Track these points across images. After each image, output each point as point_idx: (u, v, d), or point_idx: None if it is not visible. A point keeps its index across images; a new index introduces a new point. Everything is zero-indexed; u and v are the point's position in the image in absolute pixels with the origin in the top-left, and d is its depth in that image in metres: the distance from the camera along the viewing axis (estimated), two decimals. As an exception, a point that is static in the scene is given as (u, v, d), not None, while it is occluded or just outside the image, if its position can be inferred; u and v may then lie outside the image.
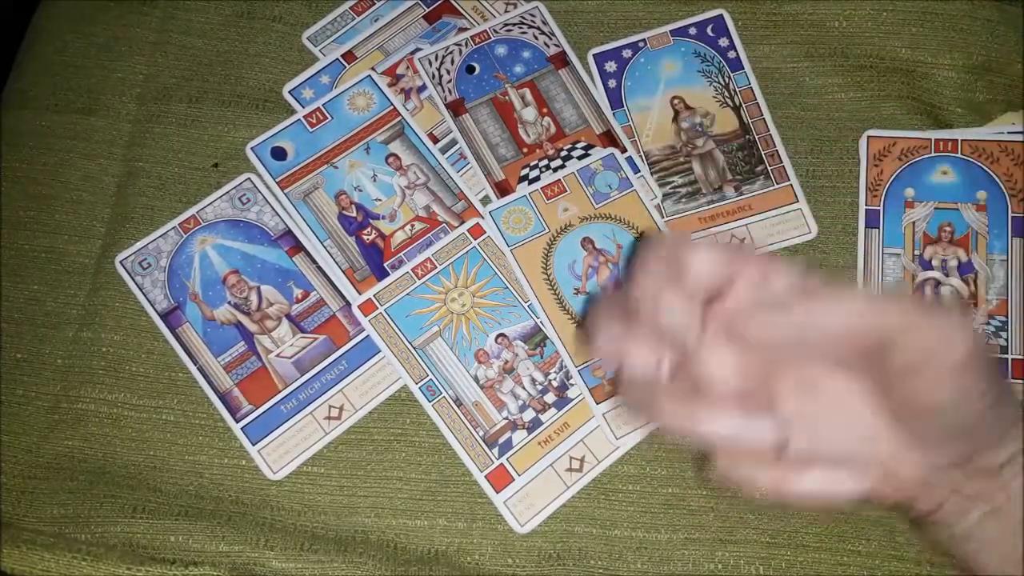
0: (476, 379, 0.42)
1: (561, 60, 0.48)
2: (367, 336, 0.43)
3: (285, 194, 0.46)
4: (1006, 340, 0.42)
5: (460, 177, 0.46)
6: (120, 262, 0.45)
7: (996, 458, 0.30)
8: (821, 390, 0.32)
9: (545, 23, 0.49)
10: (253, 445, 0.42)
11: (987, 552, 0.32)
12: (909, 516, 0.33)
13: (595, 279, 0.44)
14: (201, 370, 0.43)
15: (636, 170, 0.46)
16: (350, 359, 0.43)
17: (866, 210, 0.45)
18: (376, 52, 0.49)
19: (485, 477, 0.41)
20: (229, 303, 0.44)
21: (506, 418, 0.42)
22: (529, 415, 0.42)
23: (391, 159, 0.46)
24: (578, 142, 0.47)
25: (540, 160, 0.46)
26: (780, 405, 0.32)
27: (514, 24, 0.49)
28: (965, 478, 0.31)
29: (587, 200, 0.45)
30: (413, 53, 0.48)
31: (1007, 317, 0.43)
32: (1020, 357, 0.42)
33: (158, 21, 0.50)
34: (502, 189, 0.46)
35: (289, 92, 0.48)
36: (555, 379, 0.43)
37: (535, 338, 0.43)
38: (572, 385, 0.42)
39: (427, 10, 0.50)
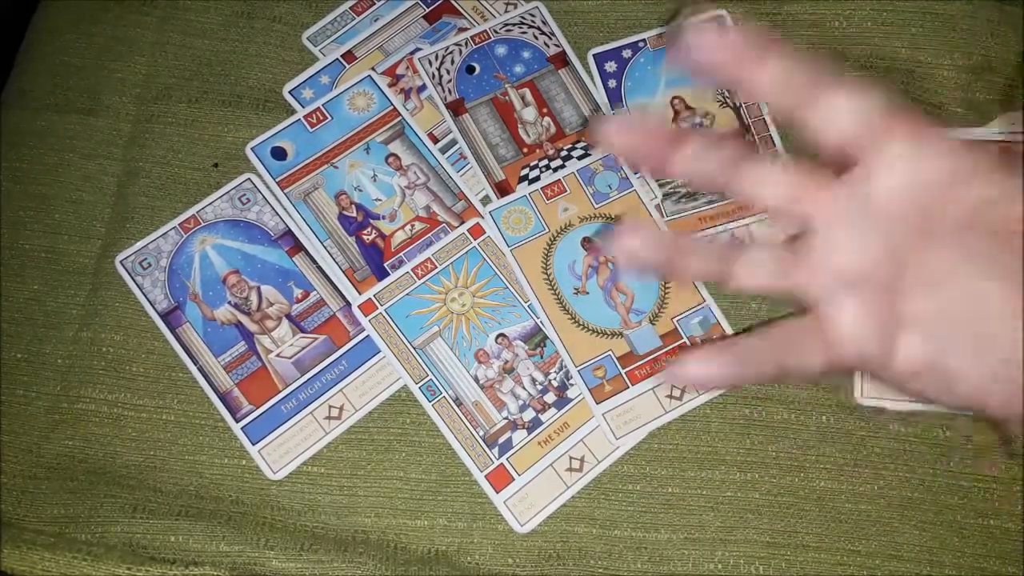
0: (476, 379, 0.42)
1: (561, 60, 0.48)
2: (367, 336, 0.43)
3: (285, 194, 0.46)
4: (1006, 340, 0.42)
5: (460, 177, 0.46)
6: (120, 262, 0.45)
7: None
8: (959, 286, 0.28)
9: (545, 23, 0.49)
10: (253, 445, 0.42)
11: None
12: None
13: (595, 279, 0.44)
14: (201, 370, 0.43)
15: (636, 171, 0.46)
16: (350, 359, 0.43)
17: (866, 210, 0.45)
18: (376, 52, 0.49)
19: (485, 477, 0.41)
20: (229, 303, 0.44)
21: (506, 418, 0.42)
22: (529, 415, 0.42)
23: (391, 159, 0.46)
24: (578, 142, 0.47)
25: (540, 160, 0.46)
26: (909, 303, 0.28)
27: (514, 24, 0.49)
28: None
29: (587, 200, 0.45)
30: (413, 53, 0.48)
31: (1007, 317, 0.42)
32: (1020, 357, 0.42)
33: (158, 21, 0.50)
34: (502, 189, 0.46)
35: (289, 92, 0.48)
36: (555, 379, 0.43)
37: (535, 338, 0.43)
38: (572, 385, 0.42)
39: (427, 10, 0.50)
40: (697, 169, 0.30)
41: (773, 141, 0.46)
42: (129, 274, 0.45)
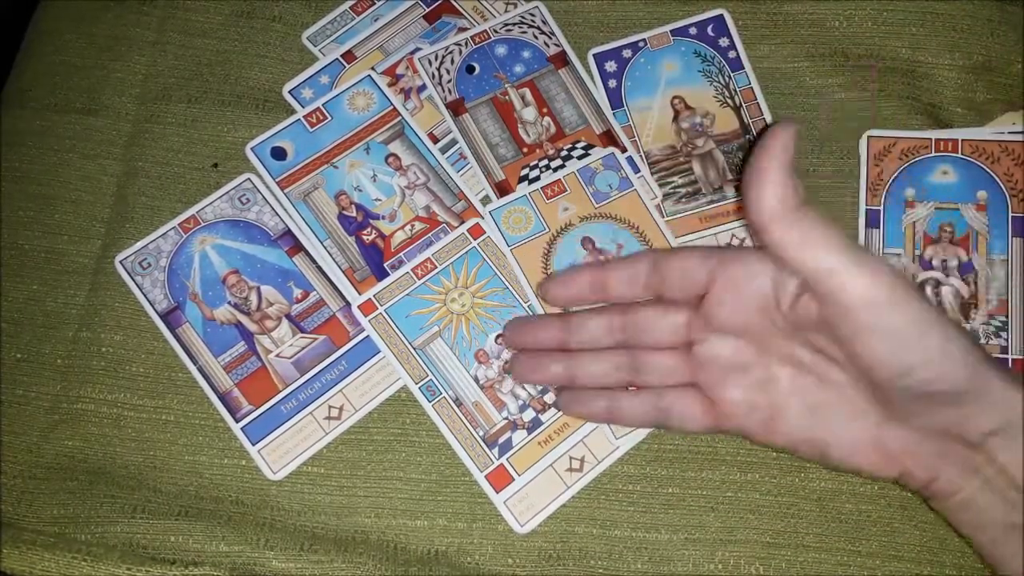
0: (476, 379, 0.42)
1: (561, 60, 0.48)
2: (367, 336, 0.43)
3: (285, 194, 0.46)
4: (1006, 340, 0.42)
5: (460, 177, 0.46)
6: (120, 262, 0.45)
7: (979, 427, 0.30)
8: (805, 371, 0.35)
9: (545, 23, 0.49)
10: (253, 445, 0.42)
11: (985, 523, 0.33)
12: (913, 491, 0.35)
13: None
14: (201, 370, 0.43)
15: (636, 170, 0.46)
16: (350, 359, 0.43)
17: (866, 210, 0.45)
18: (376, 52, 0.49)
19: (485, 477, 0.41)
20: (229, 303, 0.44)
21: (506, 418, 0.42)
22: (529, 415, 0.42)
23: (391, 159, 0.46)
24: (578, 142, 0.47)
25: (540, 160, 0.46)
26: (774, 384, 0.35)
27: (514, 24, 0.49)
28: (948, 448, 0.32)
29: (587, 200, 0.45)
30: (413, 53, 0.48)
31: (1007, 317, 0.43)
32: (1020, 357, 0.42)
33: (158, 21, 0.50)
34: (502, 189, 0.46)
35: (289, 92, 0.48)
36: (555, 379, 0.42)
37: (535, 338, 0.43)
38: (572, 385, 0.42)
39: (427, 10, 0.50)
40: (601, 343, 0.39)
41: (773, 141, 0.46)
42: (129, 274, 0.45)
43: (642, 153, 0.46)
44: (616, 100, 0.48)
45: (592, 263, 0.39)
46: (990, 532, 0.32)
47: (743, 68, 0.48)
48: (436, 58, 0.48)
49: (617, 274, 0.38)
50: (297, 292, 0.44)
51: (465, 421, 0.42)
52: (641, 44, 0.48)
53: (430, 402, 0.42)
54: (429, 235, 0.45)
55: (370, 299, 0.43)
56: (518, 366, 0.41)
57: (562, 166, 0.46)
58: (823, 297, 0.31)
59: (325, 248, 0.45)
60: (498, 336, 0.43)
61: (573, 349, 0.39)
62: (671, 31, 0.48)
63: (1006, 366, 0.40)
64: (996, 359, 0.33)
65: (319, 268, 0.45)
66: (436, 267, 0.44)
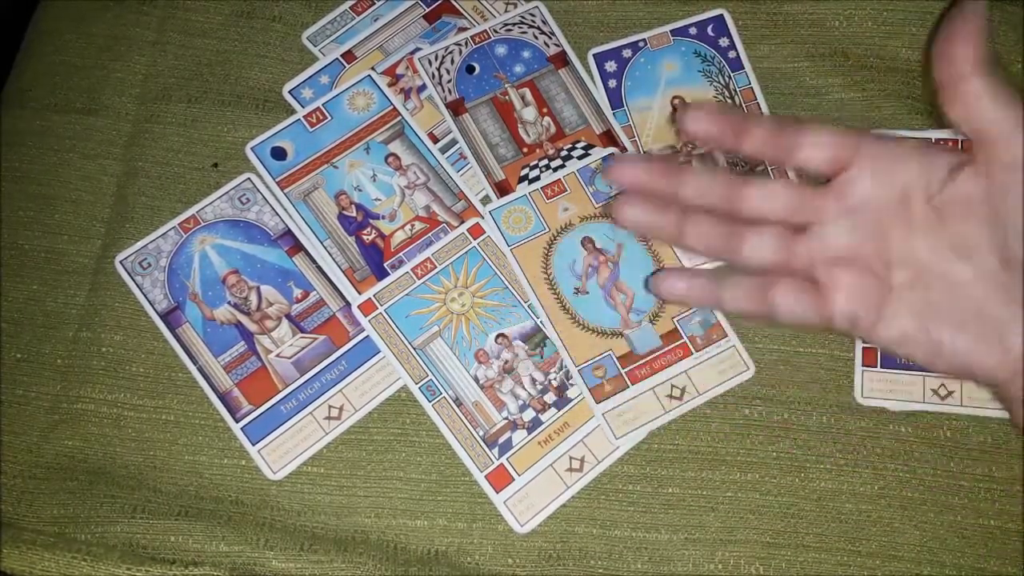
0: (476, 379, 0.42)
1: (561, 60, 0.48)
2: (367, 336, 0.43)
3: (285, 194, 0.46)
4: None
5: (460, 177, 0.46)
6: (120, 262, 0.45)
7: None
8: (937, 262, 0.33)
9: (545, 23, 0.49)
10: (253, 445, 0.42)
11: None
12: (1009, 401, 0.33)
13: (595, 278, 0.44)
14: (201, 370, 0.43)
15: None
16: (350, 359, 0.43)
17: (866, 210, 0.45)
18: (376, 52, 0.49)
19: (485, 477, 0.41)
20: (229, 303, 0.44)
21: (506, 418, 0.42)
22: (529, 415, 0.42)
23: (391, 159, 0.46)
24: (578, 142, 0.47)
25: (540, 160, 0.46)
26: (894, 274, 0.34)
27: (514, 24, 0.49)
28: None
29: (587, 199, 0.45)
30: (413, 53, 0.48)
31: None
32: None
33: (158, 21, 0.50)
34: (502, 189, 0.46)
35: (289, 92, 0.48)
36: (555, 379, 0.43)
37: (535, 338, 0.43)
38: (572, 385, 0.42)
39: (427, 10, 0.50)
40: (705, 199, 0.34)
41: (773, 141, 0.46)
42: (129, 274, 0.45)
43: (642, 153, 0.46)
44: (616, 100, 0.47)
45: (738, 111, 0.36)
46: None
47: (743, 68, 0.48)
48: (436, 58, 0.48)
49: (759, 128, 0.34)
50: (297, 292, 0.44)
51: (465, 421, 0.42)
52: (641, 44, 0.48)
53: (430, 402, 0.42)
54: (429, 235, 0.45)
55: (370, 299, 0.43)
56: (623, 204, 0.34)
57: (562, 166, 0.46)
58: (992, 160, 0.31)
59: (325, 248, 0.45)
60: (498, 336, 0.43)
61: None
62: (671, 31, 0.48)
63: None
64: None
65: (319, 268, 0.45)
66: (436, 267, 0.44)
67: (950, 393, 0.42)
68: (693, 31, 0.48)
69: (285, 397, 0.43)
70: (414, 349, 0.43)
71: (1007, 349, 0.32)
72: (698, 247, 0.36)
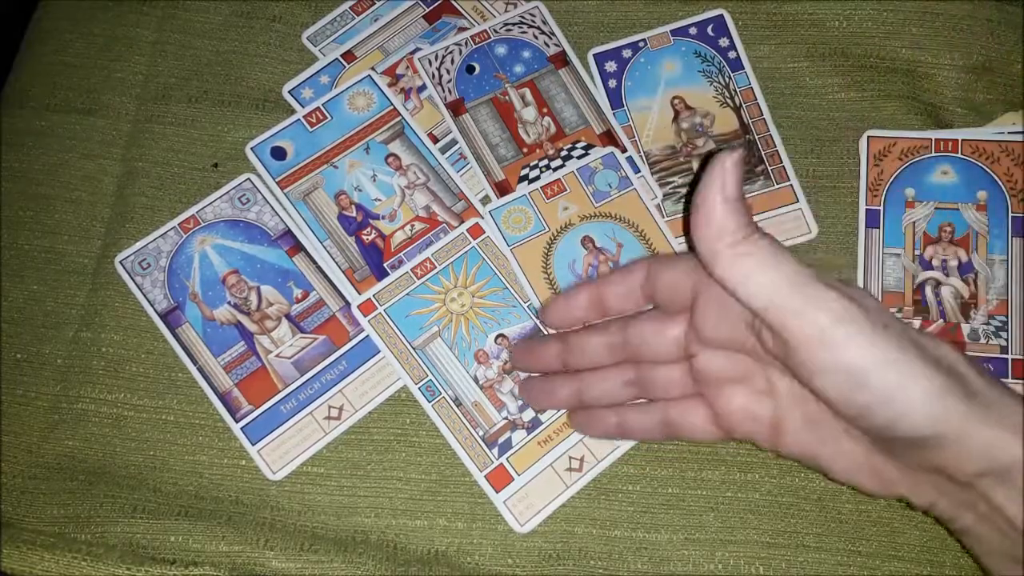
0: (475, 379, 0.42)
1: (561, 60, 0.48)
2: (367, 336, 0.43)
3: (285, 194, 0.46)
4: (1006, 340, 0.42)
5: (460, 177, 0.46)
6: (120, 262, 0.45)
7: (963, 469, 0.28)
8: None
9: (545, 23, 0.49)
10: (253, 445, 0.42)
11: (985, 551, 0.32)
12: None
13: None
14: (201, 370, 0.43)
15: (636, 170, 0.46)
16: (350, 359, 0.43)
17: (866, 210, 0.45)
18: (376, 52, 0.49)
19: (485, 477, 0.41)
20: (229, 303, 0.44)
21: (505, 418, 0.42)
22: (528, 415, 0.42)
23: (391, 159, 0.46)
24: (578, 142, 0.47)
25: (540, 160, 0.46)
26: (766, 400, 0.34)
27: (514, 24, 0.49)
28: (940, 482, 0.30)
29: (587, 199, 0.45)
30: (413, 53, 0.48)
31: (1007, 317, 0.43)
32: (1020, 357, 0.42)
33: (158, 21, 0.50)
34: (502, 189, 0.46)
35: (289, 92, 0.48)
36: (555, 379, 0.42)
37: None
38: (572, 385, 0.42)
39: (427, 10, 0.50)
40: (601, 354, 0.38)
41: (774, 141, 0.46)
42: (129, 274, 0.45)
43: (642, 153, 0.46)
44: (616, 100, 0.48)
45: (587, 281, 0.38)
46: (994, 559, 0.31)
47: (743, 68, 0.48)
48: (436, 58, 0.48)
49: (613, 289, 0.37)
50: (297, 292, 0.44)
51: (465, 421, 0.42)
52: (641, 44, 0.48)
53: (430, 402, 0.42)
54: (429, 235, 0.45)
55: (370, 299, 0.43)
56: (528, 393, 0.41)
57: (562, 166, 0.46)
58: (773, 334, 0.30)
59: (325, 248, 0.45)
60: (498, 336, 0.43)
61: (578, 370, 0.39)
62: (671, 31, 0.48)
63: (1006, 391, 0.30)
64: (995, 387, 0.29)
65: (319, 268, 0.45)
66: (436, 267, 0.44)
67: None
68: (693, 31, 0.48)
69: (285, 397, 0.43)
70: (414, 349, 0.43)
71: (881, 474, 0.32)
72: (610, 400, 0.38)
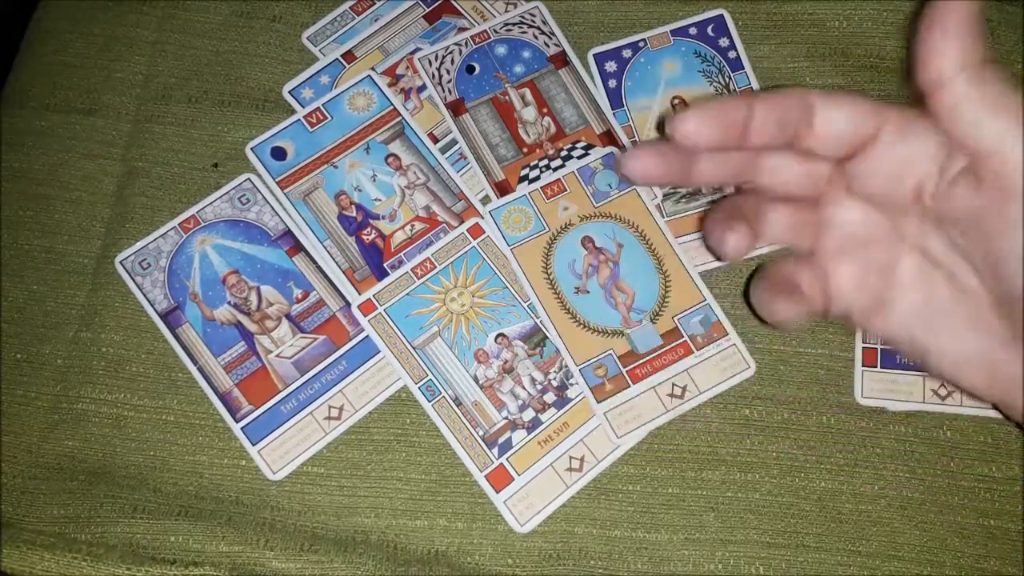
0: (476, 379, 0.42)
1: (561, 60, 0.48)
2: (367, 336, 0.43)
3: (285, 194, 0.46)
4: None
5: (460, 177, 0.46)
6: (120, 262, 0.45)
7: None
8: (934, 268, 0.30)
9: (545, 23, 0.49)
10: (253, 445, 0.42)
11: None
12: (1011, 418, 0.31)
13: (595, 278, 0.44)
14: (201, 370, 0.43)
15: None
16: (350, 359, 0.43)
17: (866, 210, 0.45)
18: (376, 52, 0.49)
19: (485, 477, 0.41)
20: (229, 303, 0.44)
21: (506, 418, 0.42)
22: (529, 415, 0.42)
23: (391, 159, 0.46)
24: (578, 142, 0.47)
25: (540, 160, 0.46)
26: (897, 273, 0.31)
27: (514, 24, 0.49)
28: None
29: (587, 199, 0.45)
30: (413, 53, 0.48)
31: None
32: None
33: (158, 21, 0.50)
34: (502, 189, 0.46)
35: (289, 92, 0.48)
36: (555, 379, 0.43)
37: (535, 338, 0.43)
38: (572, 385, 0.42)
39: (427, 10, 0.50)
40: (719, 173, 0.32)
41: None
42: (129, 274, 0.45)
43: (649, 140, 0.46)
44: (616, 100, 0.48)
45: (736, 98, 0.31)
46: None
47: (743, 68, 0.48)
48: (436, 58, 0.48)
49: (765, 112, 0.31)
50: (297, 292, 0.44)
51: (465, 421, 0.42)
52: (641, 44, 0.48)
53: (430, 402, 0.42)
54: (429, 235, 0.45)
55: (370, 299, 0.43)
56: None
57: (562, 166, 0.46)
58: (986, 175, 0.27)
59: (325, 248, 0.45)
60: (498, 336, 0.43)
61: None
62: (671, 31, 0.48)
63: None
64: None
65: (319, 268, 0.45)
66: (436, 267, 0.44)
67: (950, 393, 0.42)
68: (693, 31, 0.48)
69: (285, 397, 0.43)
70: (414, 349, 0.43)
71: (994, 374, 0.30)
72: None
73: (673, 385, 0.42)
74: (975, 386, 0.30)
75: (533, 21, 0.49)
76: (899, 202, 0.30)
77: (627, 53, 0.48)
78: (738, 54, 0.48)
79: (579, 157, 0.46)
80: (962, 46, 0.26)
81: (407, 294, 0.44)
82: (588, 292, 0.44)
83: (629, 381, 0.42)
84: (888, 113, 0.29)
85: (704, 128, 0.30)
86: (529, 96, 0.47)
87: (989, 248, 0.28)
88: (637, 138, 0.47)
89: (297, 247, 0.45)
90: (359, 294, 0.44)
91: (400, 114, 0.47)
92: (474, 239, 0.45)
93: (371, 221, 0.45)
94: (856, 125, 0.30)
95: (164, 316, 0.44)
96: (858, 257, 0.32)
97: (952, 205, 0.29)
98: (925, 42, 0.27)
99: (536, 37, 0.48)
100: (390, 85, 0.48)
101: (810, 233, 0.33)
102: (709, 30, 0.48)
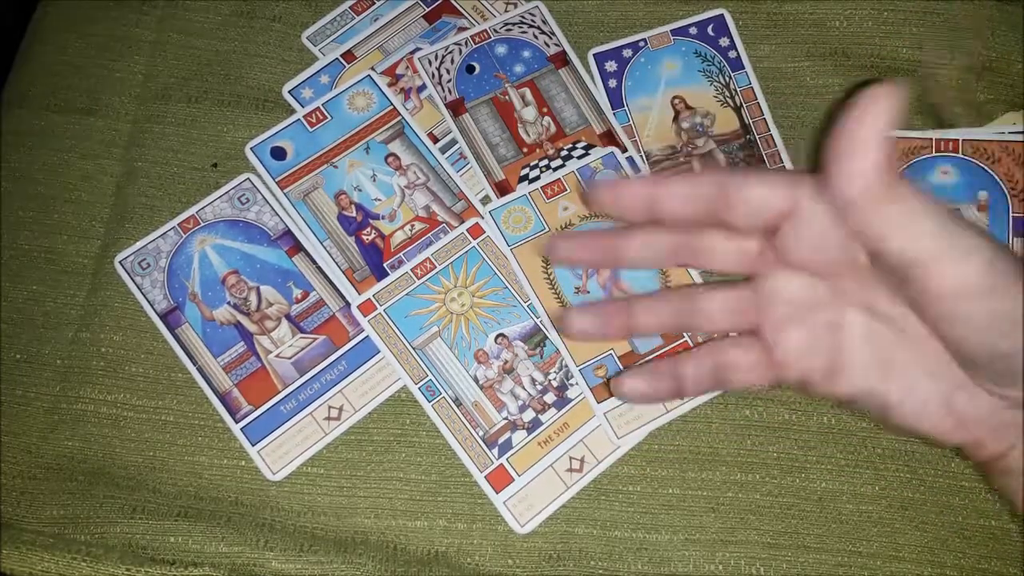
0: (475, 379, 0.42)
1: (561, 60, 0.48)
2: (367, 336, 0.43)
3: (285, 194, 0.46)
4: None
5: (460, 177, 0.46)
6: (119, 262, 0.45)
7: None
8: (885, 320, 0.31)
9: (545, 23, 0.49)
10: (253, 446, 0.42)
11: None
12: (975, 460, 0.32)
13: (595, 278, 0.44)
14: (200, 370, 0.43)
15: (637, 169, 0.46)
16: (350, 359, 0.43)
17: (867, 210, 0.45)
18: (376, 52, 0.49)
19: (485, 477, 0.41)
20: (228, 303, 0.44)
21: (506, 418, 0.42)
22: (529, 415, 0.42)
23: (391, 159, 0.46)
24: (578, 142, 0.47)
25: (540, 160, 0.46)
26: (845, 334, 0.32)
27: (514, 24, 0.49)
28: None
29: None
30: (413, 53, 0.48)
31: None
32: None
33: (157, 21, 0.50)
34: (502, 189, 0.46)
35: (289, 92, 0.48)
36: (555, 379, 0.42)
37: (535, 338, 0.43)
38: (572, 385, 0.42)
39: (427, 10, 0.49)
40: (650, 256, 0.34)
41: (774, 141, 0.46)
42: (128, 274, 0.45)
43: (642, 153, 0.46)
44: (616, 100, 0.47)
45: (648, 176, 0.33)
46: None
47: (743, 68, 0.48)
48: (436, 58, 0.48)
49: (676, 189, 0.32)
50: (297, 292, 0.44)
51: (465, 421, 0.42)
52: (641, 44, 0.48)
53: (430, 402, 0.42)
54: (429, 235, 0.45)
55: (369, 299, 0.43)
56: (579, 324, 0.34)
57: (562, 166, 0.46)
58: (910, 282, 0.28)
59: (325, 248, 0.45)
60: (498, 336, 0.43)
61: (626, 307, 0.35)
62: (671, 31, 0.48)
63: None
64: None
65: (319, 268, 0.45)
66: (436, 267, 0.44)
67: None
68: (693, 31, 0.48)
69: (285, 397, 0.42)
70: (413, 349, 0.43)
71: (957, 416, 0.31)
72: (651, 329, 0.35)
73: (673, 385, 0.42)
74: (940, 432, 0.31)
75: (533, 21, 0.49)
76: (833, 266, 0.32)
77: (627, 53, 0.48)
78: (738, 54, 0.48)
79: (579, 157, 0.46)
80: (876, 166, 0.27)
81: (407, 294, 0.44)
82: (588, 292, 0.44)
83: (629, 381, 0.42)
84: (803, 185, 0.30)
85: (615, 200, 0.33)
86: (529, 96, 0.47)
87: (931, 328, 0.29)
88: (637, 138, 0.47)
89: (297, 247, 0.45)
90: (359, 294, 0.44)
91: (400, 114, 0.47)
92: (474, 239, 0.45)
93: (371, 221, 0.45)
94: (773, 200, 0.31)
95: (164, 316, 0.44)
96: (805, 322, 0.32)
97: (888, 281, 0.29)
98: (837, 159, 0.28)
99: (536, 37, 0.48)
100: (390, 85, 0.48)
101: (749, 312, 0.33)
102: (709, 30, 0.48)
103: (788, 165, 0.46)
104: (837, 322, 0.32)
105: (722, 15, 0.48)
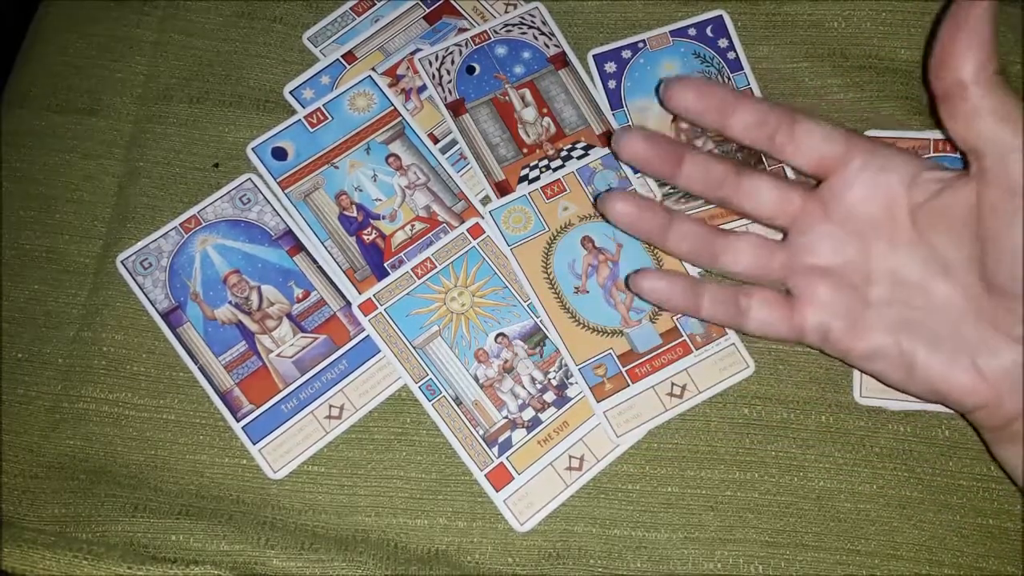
0: (476, 378, 0.42)
1: (561, 60, 0.48)
2: (367, 336, 0.43)
3: (286, 194, 0.46)
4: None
5: (460, 177, 0.46)
6: (121, 262, 0.45)
7: None
8: (916, 274, 0.32)
9: (545, 23, 0.49)
10: (254, 444, 0.42)
11: None
12: (987, 426, 0.32)
13: (595, 278, 0.44)
14: (202, 370, 0.43)
15: (636, 171, 0.46)
16: (350, 359, 0.43)
17: (865, 210, 0.45)
18: (376, 52, 0.49)
19: (485, 476, 0.41)
20: (230, 303, 0.44)
21: (506, 417, 0.42)
22: (528, 414, 0.42)
23: (391, 159, 0.46)
24: (578, 142, 0.47)
25: (540, 160, 0.46)
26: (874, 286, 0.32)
27: (514, 24, 0.49)
28: None
29: (587, 199, 0.45)
30: (413, 53, 0.49)
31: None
32: None
33: (158, 21, 0.50)
34: (502, 189, 0.46)
35: (290, 92, 0.48)
36: (555, 378, 0.43)
37: (534, 337, 0.43)
38: (572, 384, 0.42)
39: (427, 11, 0.50)
40: (701, 182, 0.34)
41: (772, 141, 0.46)
42: (130, 274, 0.45)
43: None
44: (616, 100, 0.48)
45: (727, 89, 0.35)
46: None
47: (742, 69, 0.48)
48: (436, 59, 0.48)
49: (748, 110, 0.33)
50: (298, 292, 0.44)
51: (465, 420, 0.42)
52: (640, 45, 0.48)
53: (430, 401, 0.42)
54: (429, 235, 0.45)
55: (370, 298, 0.44)
56: (614, 199, 0.35)
57: (562, 166, 0.46)
58: (991, 176, 0.28)
59: (326, 248, 0.45)
60: (498, 335, 0.43)
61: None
62: (670, 32, 0.48)
63: None
64: None
65: (320, 268, 0.45)
66: (436, 267, 0.44)
67: (949, 392, 0.42)
68: (692, 32, 0.48)
69: (286, 396, 0.43)
70: (414, 348, 0.43)
71: (980, 372, 0.31)
72: (679, 251, 0.36)
73: (672, 384, 0.42)
74: (961, 392, 0.31)
75: (533, 22, 0.49)
76: (870, 224, 0.32)
77: (627, 54, 0.48)
78: (737, 55, 0.48)
79: (579, 157, 0.46)
80: (980, 56, 0.29)
81: (407, 294, 0.44)
82: (588, 292, 0.44)
83: (628, 380, 0.42)
84: (858, 140, 0.31)
85: (695, 100, 0.34)
86: (529, 96, 0.48)
87: (986, 246, 0.29)
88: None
89: (298, 247, 0.45)
90: (359, 294, 0.44)
91: (400, 114, 0.47)
92: (474, 239, 0.45)
93: (371, 221, 0.46)
94: (830, 144, 0.32)
95: (165, 316, 0.44)
96: (832, 277, 0.33)
97: (941, 210, 0.30)
98: (946, 48, 0.29)
99: (536, 38, 0.49)
100: (391, 85, 0.48)
101: (779, 264, 0.34)
102: (708, 31, 0.48)
103: (786, 164, 0.46)
104: (864, 282, 0.32)
105: (721, 16, 0.49)
